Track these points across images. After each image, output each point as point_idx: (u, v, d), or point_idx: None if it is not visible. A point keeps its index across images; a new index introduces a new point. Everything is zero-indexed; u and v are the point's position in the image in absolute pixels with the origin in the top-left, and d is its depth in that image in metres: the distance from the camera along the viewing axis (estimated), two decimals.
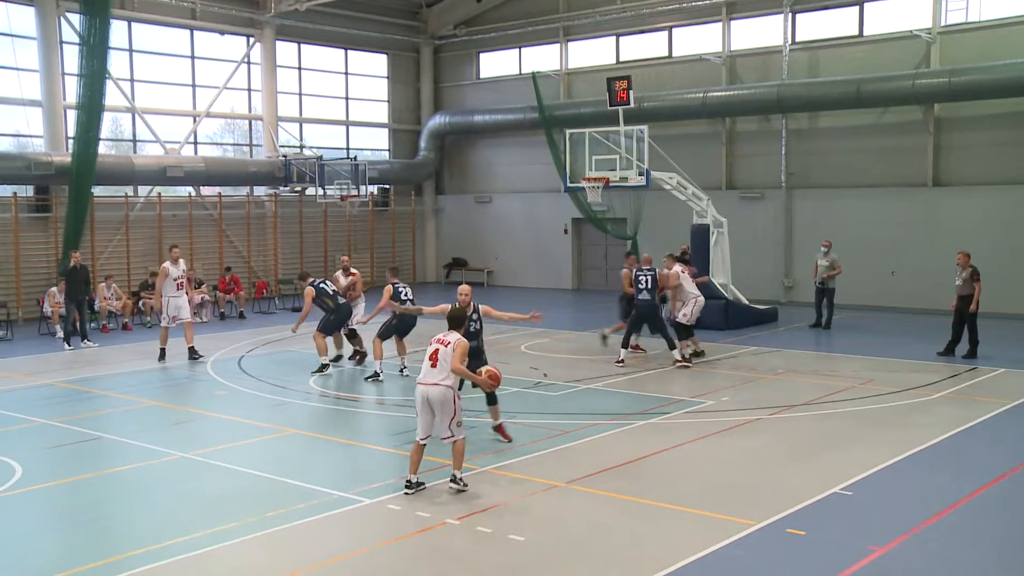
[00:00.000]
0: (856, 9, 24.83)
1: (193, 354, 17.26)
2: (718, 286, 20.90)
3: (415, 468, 9.45)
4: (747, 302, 21.78)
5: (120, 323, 21.89)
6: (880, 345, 18.30)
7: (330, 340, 16.48)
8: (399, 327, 15.37)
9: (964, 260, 16.67)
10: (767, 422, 12.35)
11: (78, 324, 19.45)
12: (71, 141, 22.96)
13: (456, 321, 9.75)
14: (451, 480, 9.42)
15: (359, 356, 16.53)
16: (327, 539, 8.27)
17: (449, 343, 9.41)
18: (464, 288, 11.33)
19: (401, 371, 15.57)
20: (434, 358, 9.40)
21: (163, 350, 17.36)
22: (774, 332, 20.05)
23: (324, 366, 15.86)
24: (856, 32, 24.87)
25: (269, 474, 10.18)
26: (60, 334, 19.74)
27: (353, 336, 16.62)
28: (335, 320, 16.19)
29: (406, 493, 9.32)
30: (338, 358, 16.71)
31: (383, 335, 15.24)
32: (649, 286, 16.40)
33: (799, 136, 25.70)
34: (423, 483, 9.46)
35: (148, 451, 11.13)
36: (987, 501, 9.22)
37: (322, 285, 16.21)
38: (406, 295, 15.13)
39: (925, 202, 23.62)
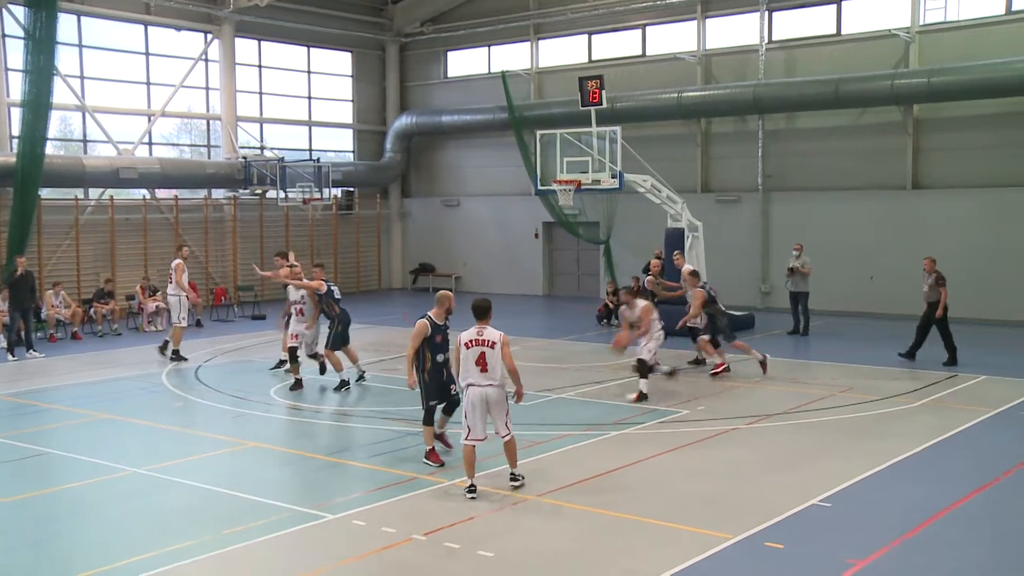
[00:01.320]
0: (834, 7, 25.08)
1: (178, 356, 18.01)
2: None
3: (473, 471, 9.74)
4: (723, 308, 21.84)
5: (69, 332, 21.60)
6: (859, 352, 18.47)
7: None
8: (343, 333, 15.22)
9: (930, 266, 17.14)
10: (743, 432, 12.41)
11: (23, 334, 19.17)
12: (16, 141, 22.64)
13: (481, 310, 9.86)
14: (512, 479, 9.86)
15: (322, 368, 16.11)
16: (288, 557, 8.20)
17: (495, 344, 9.66)
18: (448, 294, 11.02)
19: (361, 378, 15.54)
20: (482, 362, 9.66)
21: (177, 351, 17.94)
22: (751, 339, 20.11)
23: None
24: (834, 31, 25.13)
25: (227, 489, 10.09)
26: (4, 344, 19.44)
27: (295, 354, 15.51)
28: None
29: (471, 498, 9.55)
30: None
31: (334, 346, 15.11)
32: None
33: (776, 137, 25.91)
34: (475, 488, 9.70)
35: (98, 467, 10.98)
36: (969, 512, 9.32)
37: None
38: (338, 294, 15.40)
39: (904, 205, 23.88)
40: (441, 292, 11.07)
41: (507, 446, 9.91)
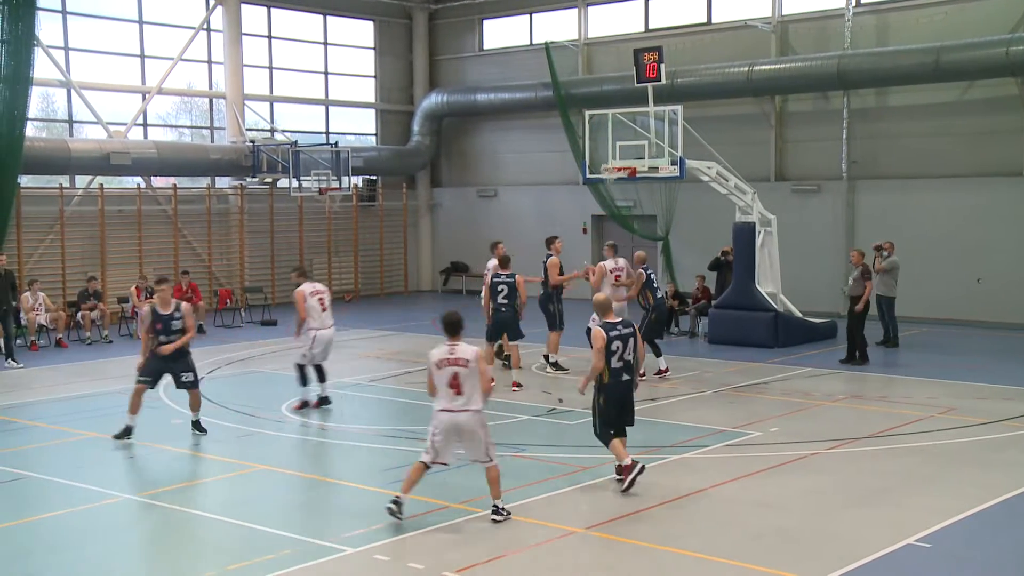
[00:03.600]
0: None
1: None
2: (765, 296, 20.90)
3: (409, 488, 9.86)
4: (800, 315, 21.75)
5: (53, 339, 21.91)
6: (963, 367, 18.26)
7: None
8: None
9: (858, 259, 18.93)
10: (825, 458, 12.31)
11: (3, 341, 19.49)
12: None
13: (453, 326, 9.97)
14: (493, 511, 9.86)
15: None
16: None
17: (468, 362, 9.73)
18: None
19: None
20: (455, 384, 9.75)
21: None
22: (832, 351, 20.01)
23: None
24: None
25: (233, 519, 10.18)
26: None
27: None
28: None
29: (388, 509, 9.64)
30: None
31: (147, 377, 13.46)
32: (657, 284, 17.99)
33: (864, 117, 25.66)
34: (401, 505, 9.70)
35: (85, 492, 11.11)
36: None
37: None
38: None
39: (1019, 195, 23.51)
40: (599, 296, 11.65)
41: (489, 474, 9.94)
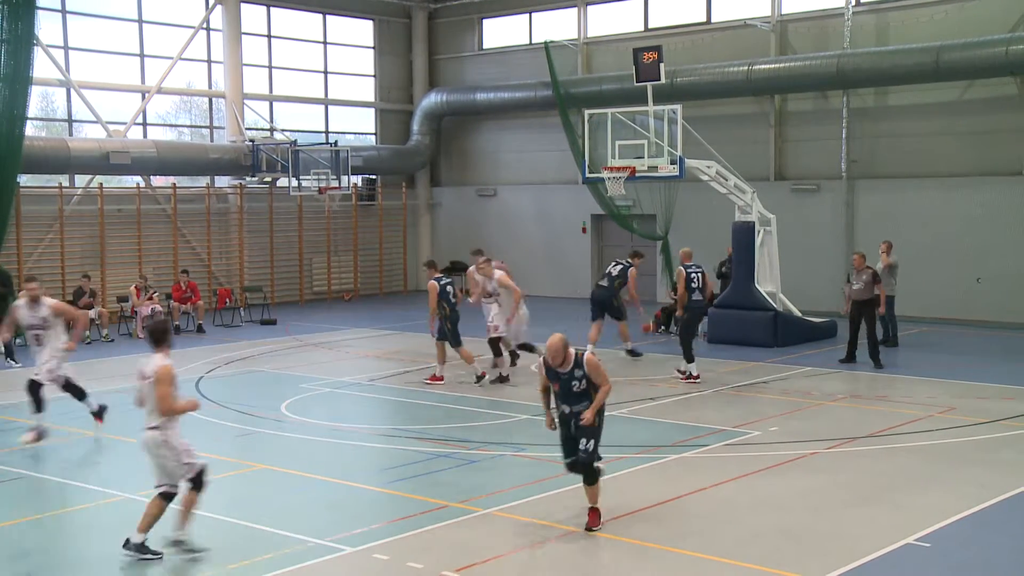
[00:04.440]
0: None
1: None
2: (765, 295, 20.90)
3: (144, 526, 8.95)
4: (800, 314, 21.76)
5: None
6: (963, 366, 18.27)
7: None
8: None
9: (860, 262, 18.51)
10: (824, 457, 12.32)
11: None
12: None
13: (153, 335, 9.17)
14: (172, 543, 9.06)
15: None
16: None
17: (150, 378, 8.95)
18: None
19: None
20: (141, 400, 9.13)
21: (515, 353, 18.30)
22: (832, 350, 20.01)
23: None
24: None
25: (232, 518, 10.18)
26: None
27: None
28: None
29: (126, 553, 8.91)
30: None
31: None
32: (700, 285, 17.27)
33: (863, 116, 25.67)
34: (147, 547, 8.93)
35: (84, 492, 11.12)
36: None
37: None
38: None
39: (1019, 194, 23.52)
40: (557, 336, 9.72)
41: (183, 500, 9.07)
